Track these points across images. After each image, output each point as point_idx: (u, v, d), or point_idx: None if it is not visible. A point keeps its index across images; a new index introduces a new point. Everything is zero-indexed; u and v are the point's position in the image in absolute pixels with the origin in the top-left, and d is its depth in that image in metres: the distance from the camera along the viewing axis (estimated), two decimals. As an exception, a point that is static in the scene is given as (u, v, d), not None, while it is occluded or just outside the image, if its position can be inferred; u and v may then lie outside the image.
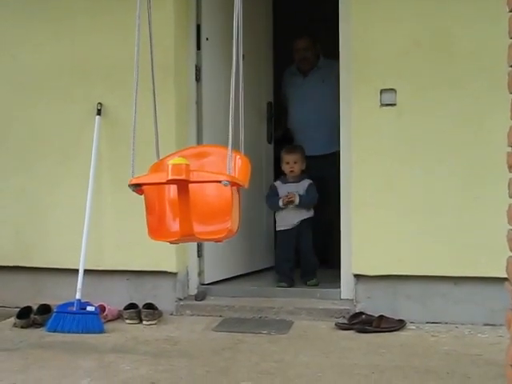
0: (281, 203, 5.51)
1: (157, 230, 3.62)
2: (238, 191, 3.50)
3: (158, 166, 3.72)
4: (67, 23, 5.21)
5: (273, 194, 5.65)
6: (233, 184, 3.31)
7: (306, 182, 5.57)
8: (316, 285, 5.44)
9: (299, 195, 5.48)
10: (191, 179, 3.21)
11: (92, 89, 5.16)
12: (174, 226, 3.55)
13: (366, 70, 4.77)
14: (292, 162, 5.57)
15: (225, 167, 3.36)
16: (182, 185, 3.26)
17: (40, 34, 5.27)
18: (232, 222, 3.44)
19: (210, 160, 3.80)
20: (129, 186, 3.39)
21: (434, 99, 4.68)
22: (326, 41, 5.75)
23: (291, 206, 5.49)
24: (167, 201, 3.64)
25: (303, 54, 6.14)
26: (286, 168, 5.61)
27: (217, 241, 3.91)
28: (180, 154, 3.96)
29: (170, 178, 3.19)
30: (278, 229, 5.70)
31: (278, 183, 5.68)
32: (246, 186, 3.58)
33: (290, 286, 5.43)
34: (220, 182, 3.25)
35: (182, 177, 3.18)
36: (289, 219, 5.57)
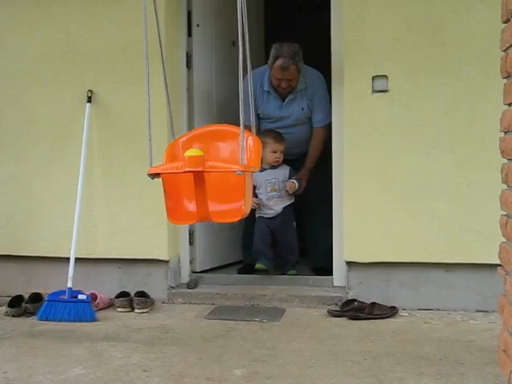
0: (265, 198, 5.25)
1: (175, 213, 3.82)
2: (250, 173, 3.66)
3: (173, 147, 3.95)
4: (59, 9, 5.16)
5: None
6: (246, 171, 3.49)
7: (286, 169, 5.30)
8: (295, 274, 5.35)
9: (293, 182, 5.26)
10: (206, 169, 3.43)
11: (83, 75, 5.12)
12: (192, 209, 3.75)
13: (357, 56, 4.75)
14: (279, 152, 5.21)
15: (239, 149, 3.52)
16: (198, 174, 3.43)
17: (31, 20, 5.21)
18: (245, 204, 3.62)
19: (224, 143, 3.96)
20: (148, 174, 3.59)
21: (427, 85, 4.67)
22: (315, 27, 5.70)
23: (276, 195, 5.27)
24: (185, 186, 3.79)
25: (287, 83, 5.22)
26: (270, 157, 5.18)
27: (232, 222, 4.11)
28: (193, 133, 4.21)
29: (187, 169, 3.40)
30: (258, 215, 5.33)
31: None
32: (259, 167, 3.75)
33: (267, 268, 5.27)
34: (234, 171, 3.42)
35: (198, 169, 3.46)
36: (272, 206, 5.30)
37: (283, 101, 5.34)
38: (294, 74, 5.18)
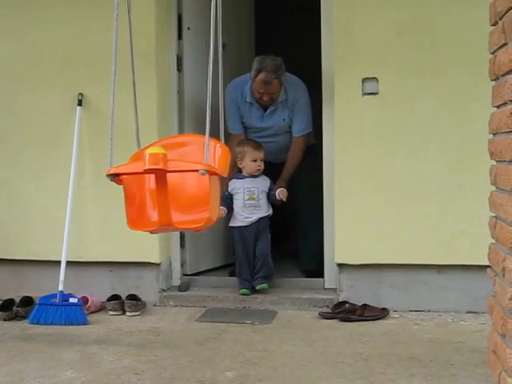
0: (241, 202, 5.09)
1: (135, 219, 3.62)
2: (219, 180, 3.51)
3: (139, 156, 3.70)
4: (49, 12, 5.16)
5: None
6: (211, 173, 3.31)
7: (267, 180, 5.16)
8: (266, 288, 5.09)
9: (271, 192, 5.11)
10: (168, 168, 3.22)
11: (74, 79, 5.12)
12: (153, 215, 3.55)
13: (348, 58, 4.76)
14: (259, 160, 5.07)
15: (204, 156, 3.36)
16: (160, 174, 3.26)
17: (22, 23, 5.21)
18: (211, 211, 3.44)
19: (189, 149, 3.81)
20: (107, 175, 3.38)
21: (417, 87, 4.68)
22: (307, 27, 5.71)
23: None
24: (145, 190, 3.63)
25: (269, 97, 5.17)
26: (251, 166, 5.08)
27: (196, 230, 3.91)
28: (160, 143, 3.97)
29: (148, 167, 3.20)
30: (232, 224, 5.18)
31: (233, 180, 5.14)
32: (226, 174, 3.59)
33: (251, 293, 5.06)
34: (197, 171, 3.24)
35: (160, 166, 3.20)
36: (247, 215, 5.11)
37: (265, 111, 5.29)
38: (277, 88, 5.13)
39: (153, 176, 3.37)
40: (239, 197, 5.10)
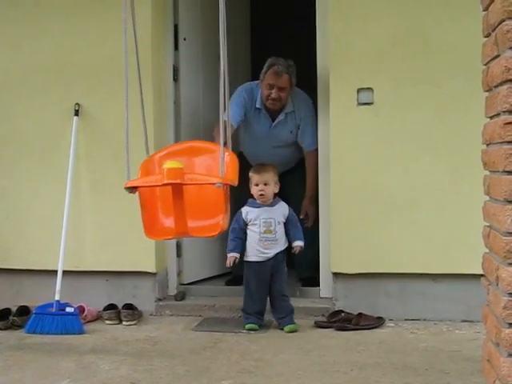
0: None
1: (153, 228, 3.77)
2: (227, 188, 3.60)
3: (149, 163, 3.89)
4: (45, 23, 5.18)
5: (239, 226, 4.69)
6: (225, 184, 3.42)
7: (285, 208, 4.73)
8: (296, 330, 4.60)
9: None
10: (185, 182, 3.35)
11: (70, 89, 5.13)
12: (169, 224, 3.65)
13: (342, 68, 4.79)
14: (262, 184, 4.61)
15: (215, 164, 3.48)
16: (177, 187, 3.38)
17: (18, 33, 5.23)
18: (224, 219, 3.56)
19: (200, 158, 3.92)
20: (125, 188, 3.49)
21: (411, 97, 4.71)
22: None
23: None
24: (162, 201, 3.74)
25: (278, 94, 5.07)
26: (254, 190, 4.64)
27: (210, 237, 4.05)
28: (169, 149, 4.10)
29: (166, 181, 3.34)
30: (246, 259, 4.71)
31: (246, 209, 4.70)
32: (236, 183, 3.69)
33: (258, 327, 4.63)
34: (214, 184, 3.35)
35: (177, 181, 3.36)
36: (263, 250, 4.66)
37: (273, 121, 5.28)
38: (286, 84, 5.07)
39: (169, 187, 3.49)
40: (255, 229, 4.65)
